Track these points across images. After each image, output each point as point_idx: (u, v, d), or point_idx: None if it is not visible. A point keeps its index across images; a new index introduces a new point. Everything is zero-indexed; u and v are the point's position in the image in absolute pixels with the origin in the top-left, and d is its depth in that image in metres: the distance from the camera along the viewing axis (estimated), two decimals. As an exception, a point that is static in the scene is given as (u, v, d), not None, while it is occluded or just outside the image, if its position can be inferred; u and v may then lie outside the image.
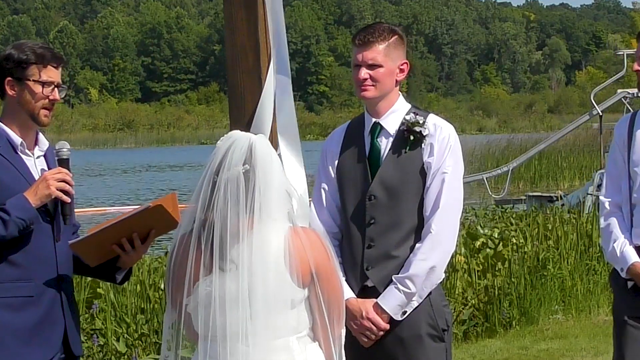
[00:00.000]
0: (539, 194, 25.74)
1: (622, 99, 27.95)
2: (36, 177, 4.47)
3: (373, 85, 4.82)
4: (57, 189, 4.39)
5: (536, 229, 13.01)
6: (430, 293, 4.78)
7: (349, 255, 4.85)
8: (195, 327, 3.76)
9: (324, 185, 4.94)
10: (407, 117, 4.84)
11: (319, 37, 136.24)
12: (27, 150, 4.52)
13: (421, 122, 4.81)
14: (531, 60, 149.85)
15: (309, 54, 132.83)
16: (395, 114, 4.87)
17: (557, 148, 35.20)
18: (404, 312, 4.74)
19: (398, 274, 4.74)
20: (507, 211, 17.25)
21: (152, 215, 4.28)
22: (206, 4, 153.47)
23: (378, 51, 4.80)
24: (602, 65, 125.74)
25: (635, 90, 25.18)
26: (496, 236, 12.30)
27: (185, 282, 3.72)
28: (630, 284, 5.33)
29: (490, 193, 26.79)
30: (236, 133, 3.79)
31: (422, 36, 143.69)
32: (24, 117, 4.50)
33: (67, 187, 4.42)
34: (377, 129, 4.88)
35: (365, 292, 4.80)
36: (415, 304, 4.75)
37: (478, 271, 11.11)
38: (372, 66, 4.81)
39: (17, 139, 4.48)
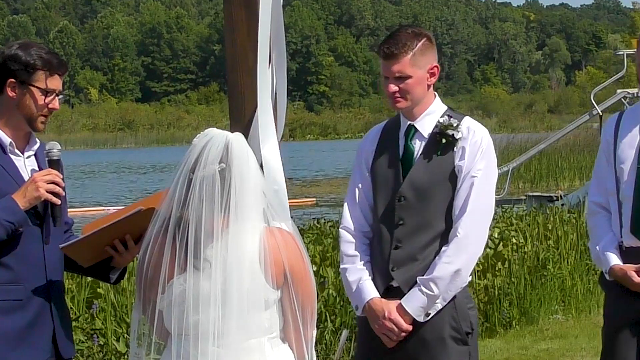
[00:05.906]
0: (539, 194, 25.66)
1: (622, 99, 27.85)
2: (26, 177, 4.38)
3: (404, 97, 4.77)
4: (47, 191, 4.28)
5: (536, 229, 13.00)
6: (455, 296, 4.75)
7: (377, 254, 4.83)
8: (167, 325, 3.74)
9: (359, 184, 4.92)
10: (441, 120, 4.80)
11: (319, 37, 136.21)
12: (16, 150, 4.42)
13: (454, 125, 4.77)
14: (531, 60, 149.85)
15: (309, 54, 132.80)
16: (430, 116, 4.83)
17: (557, 148, 35.08)
18: (427, 314, 4.72)
19: (423, 275, 4.73)
20: (507, 211, 17.23)
21: (145, 217, 4.20)
22: (206, 4, 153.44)
23: (404, 63, 4.73)
24: (602, 65, 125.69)
25: (635, 90, 25.14)
26: (496, 236, 12.29)
27: (160, 279, 3.69)
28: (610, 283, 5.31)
29: (490, 193, 26.69)
30: (213, 131, 3.75)
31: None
32: (19, 119, 4.41)
33: (57, 188, 4.31)
34: (412, 131, 4.84)
35: (390, 292, 4.78)
36: (439, 306, 4.72)
37: (478, 271, 11.10)
38: (399, 78, 4.75)
39: (6, 139, 4.39)
